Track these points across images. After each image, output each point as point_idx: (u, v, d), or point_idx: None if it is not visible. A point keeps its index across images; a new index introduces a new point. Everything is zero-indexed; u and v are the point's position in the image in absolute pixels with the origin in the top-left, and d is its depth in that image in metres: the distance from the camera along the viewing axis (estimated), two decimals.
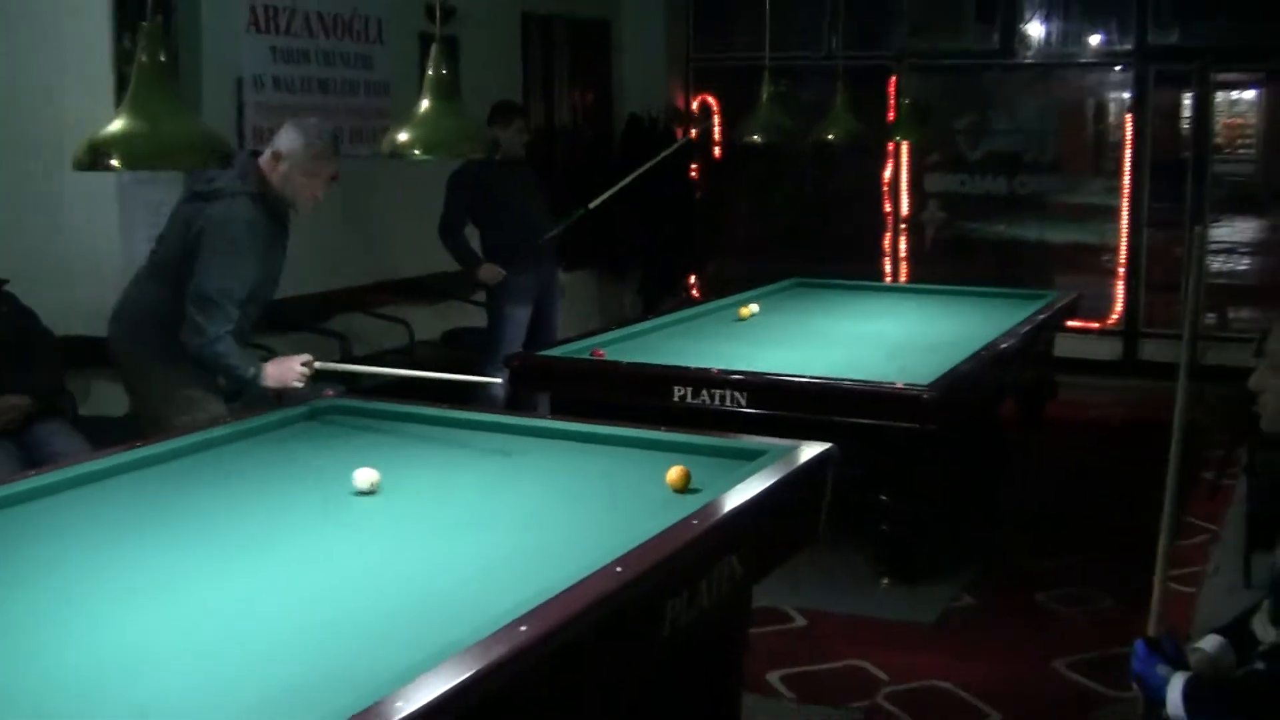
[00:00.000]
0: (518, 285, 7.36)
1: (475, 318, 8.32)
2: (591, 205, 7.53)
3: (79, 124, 4.43)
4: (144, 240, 5.43)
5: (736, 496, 3.26)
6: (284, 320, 6.93)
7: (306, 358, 4.82)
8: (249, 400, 4.95)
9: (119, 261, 6.16)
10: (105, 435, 5.20)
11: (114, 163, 2.96)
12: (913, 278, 10.25)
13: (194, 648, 2.49)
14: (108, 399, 6.16)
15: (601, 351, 5.80)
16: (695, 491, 3.35)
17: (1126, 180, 9.82)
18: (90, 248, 5.40)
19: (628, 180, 7.65)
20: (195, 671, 2.38)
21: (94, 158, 2.96)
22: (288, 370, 4.77)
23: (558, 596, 2.56)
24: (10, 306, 5.53)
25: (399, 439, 4.10)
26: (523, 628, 2.40)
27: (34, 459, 5.03)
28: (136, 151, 2.97)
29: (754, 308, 7.00)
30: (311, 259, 7.39)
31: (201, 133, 3.10)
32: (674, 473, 3.42)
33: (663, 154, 8.03)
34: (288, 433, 4.16)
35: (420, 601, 2.72)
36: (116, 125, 2.95)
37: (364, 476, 3.45)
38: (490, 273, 7.28)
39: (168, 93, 2.99)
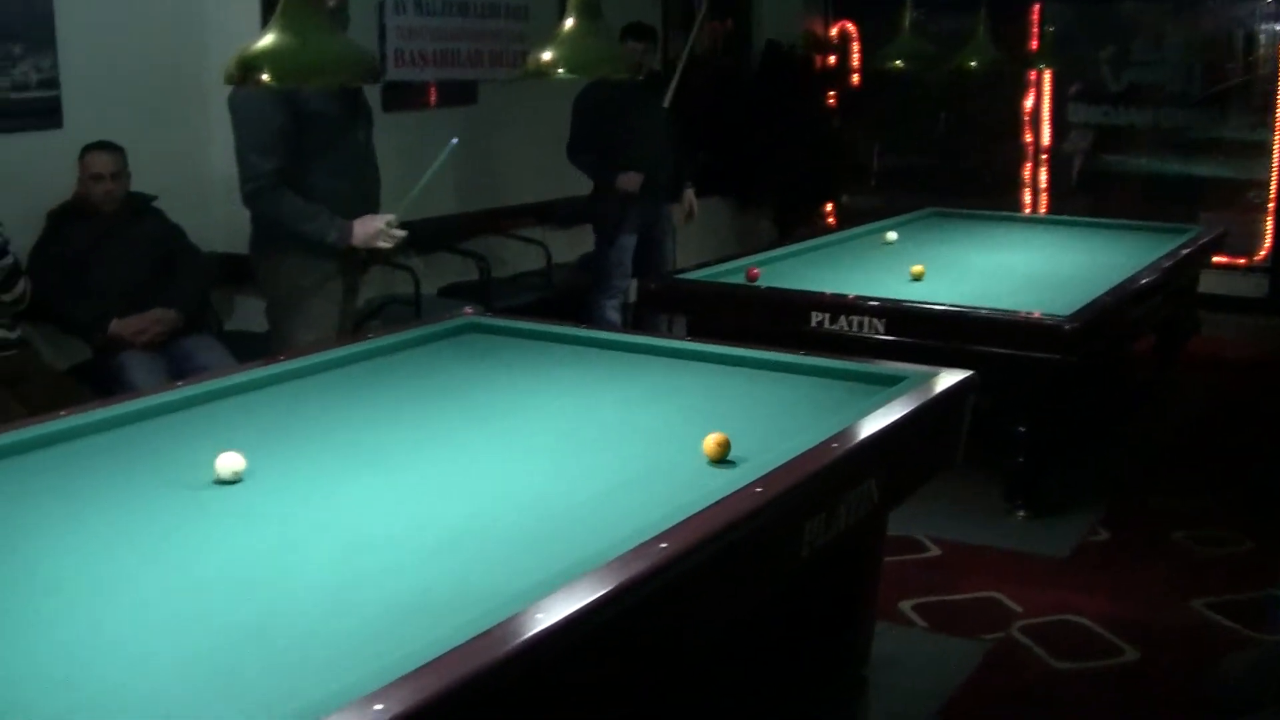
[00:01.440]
0: (627, 213, 7.32)
1: None
2: (669, 94, 7.50)
3: (225, 44, 4.49)
4: None
5: (876, 421, 3.24)
6: (424, 241, 7.00)
7: (391, 217, 4.98)
8: (388, 317, 5.03)
9: None
10: (249, 350, 5.31)
11: (264, 77, 2.98)
12: (1052, 210, 10.07)
13: (330, 555, 2.54)
14: (251, 315, 6.27)
15: (757, 270, 5.76)
16: (731, 464, 2.99)
17: (1279, 114, 9.54)
18: (233, 168, 5.47)
19: (686, 53, 7.64)
20: (331, 577, 2.42)
21: (244, 72, 2.98)
22: (371, 228, 5.01)
23: (698, 514, 2.56)
24: (159, 222, 5.65)
25: (537, 356, 4.12)
26: (663, 545, 2.41)
27: (181, 371, 5.14)
28: (286, 66, 2.98)
29: (891, 235, 6.93)
30: (451, 181, 7.45)
31: (350, 49, 3.12)
32: (711, 441, 3.03)
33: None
34: (427, 350, 4.20)
35: (558, 517, 2.73)
36: (266, 40, 2.97)
37: (227, 463, 2.93)
38: (630, 180, 7.24)
39: (316, 9, 3.01)
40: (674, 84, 7.50)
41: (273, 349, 4.85)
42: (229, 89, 4.72)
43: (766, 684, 3.82)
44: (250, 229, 5.24)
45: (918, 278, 5.83)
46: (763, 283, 5.64)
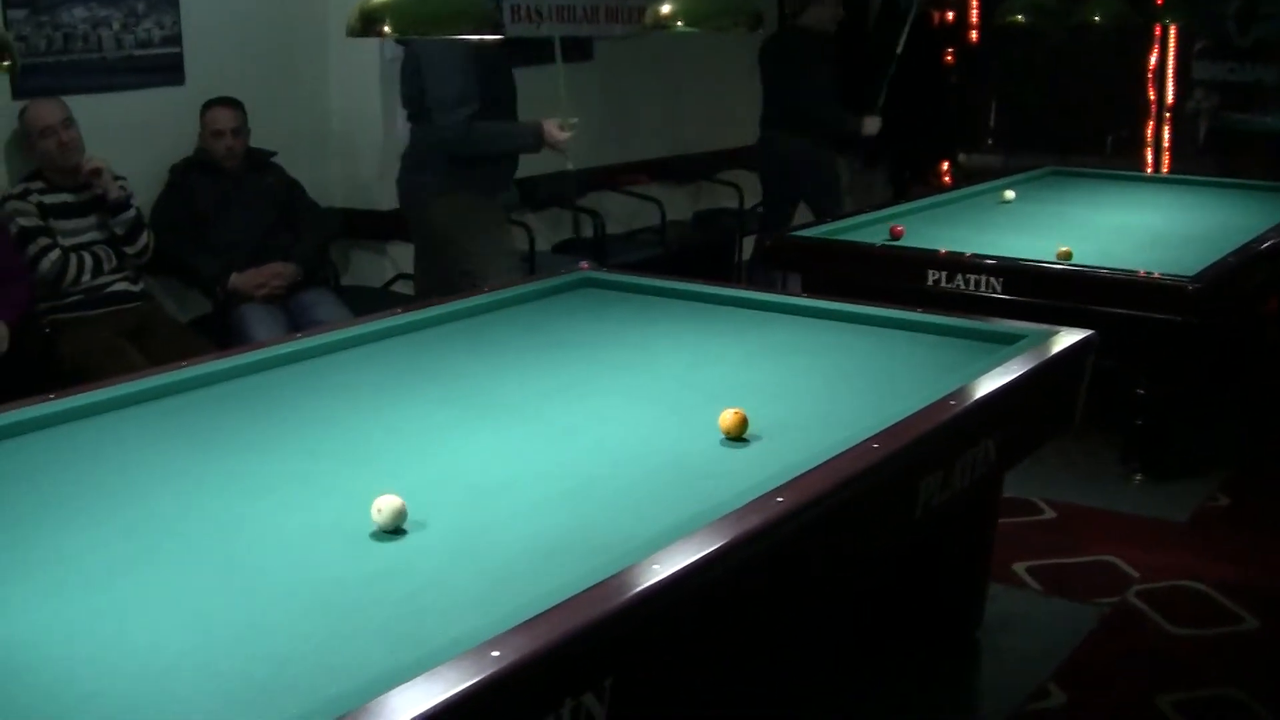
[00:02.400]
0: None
1: (725, 199, 8.32)
2: (899, 50, 7.40)
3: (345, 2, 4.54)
4: (404, 119, 5.58)
5: (994, 379, 3.19)
6: (538, 197, 7.03)
7: (557, 120, 5.13)
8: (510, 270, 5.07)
9: (378, 139, 6.31)
10: (365, 304, 5.37)
11: (385, 29, 3.01)
12: (1175, 169, 9.86)
13: (447, 504, 2.55)
14: (367, 269, 6.34)
15: (901, 228, 5.66)
16: (746, 442, 2.89)
17: None
18: (351, 125, 5.52)
19: (907, 29, 7.49)
20: (450, 526, 2.44)
21: (365, 24, 3.02)
22: (554, 124, 5.13)
23: (814, 470, 2.55)
24: (279, 178, 5.72)
25: (653, 311, 4.12)
26: (779, 499, 2.40)
27: (299, 324, 5.22)
28: (406, 18, 3.02)
29: (1009, 194, 6.83)
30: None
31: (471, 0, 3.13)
32: (729, 417, 2.91)
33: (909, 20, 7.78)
34: (545, 303, 4.22)
35: (673, 470, 2.73)
36: None
37: (387, 507, 2.41)
38: (873, 124, 7.32)
39: None
40: (905, 33, 7.45)
41: (440, 293, 4.84)
42: (348, 45, 4.78)
43: (879, 644, 3.81)
44: (400, 180, 5.28)
45: (1065, 259, 5.24)
46: (879, 240, 5.58)
